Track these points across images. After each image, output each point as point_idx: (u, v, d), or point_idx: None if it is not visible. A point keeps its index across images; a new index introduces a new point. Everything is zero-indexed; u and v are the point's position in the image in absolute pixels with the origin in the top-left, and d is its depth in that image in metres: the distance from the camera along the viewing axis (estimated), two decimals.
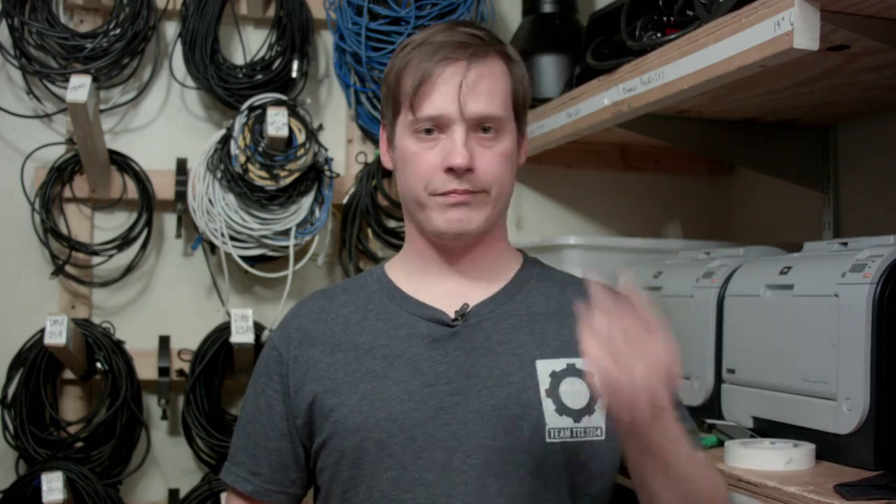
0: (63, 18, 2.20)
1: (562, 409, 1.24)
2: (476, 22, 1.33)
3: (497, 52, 1.29)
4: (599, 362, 1.02)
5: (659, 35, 1.64)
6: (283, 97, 2.19)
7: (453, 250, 1.32)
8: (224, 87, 2.21)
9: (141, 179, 2.21)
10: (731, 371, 1.61)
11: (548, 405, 1.24)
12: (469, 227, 1.27)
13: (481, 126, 1.25)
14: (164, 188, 2.23)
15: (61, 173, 2.18)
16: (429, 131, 1.25)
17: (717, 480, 1.23)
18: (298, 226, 2.17)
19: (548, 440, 1.23)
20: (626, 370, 1.01)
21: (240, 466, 1.34)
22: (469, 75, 1.24)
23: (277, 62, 2.25)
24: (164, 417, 2.19)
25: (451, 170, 1.23)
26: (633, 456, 1.13)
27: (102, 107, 2.23)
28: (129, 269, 2.23)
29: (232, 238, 2.15)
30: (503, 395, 1.24)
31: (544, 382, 1.25)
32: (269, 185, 2.13)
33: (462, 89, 1.23)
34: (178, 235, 2.23)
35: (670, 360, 1.04)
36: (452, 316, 1.29)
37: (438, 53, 1.25)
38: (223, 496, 2.09)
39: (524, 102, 1.33)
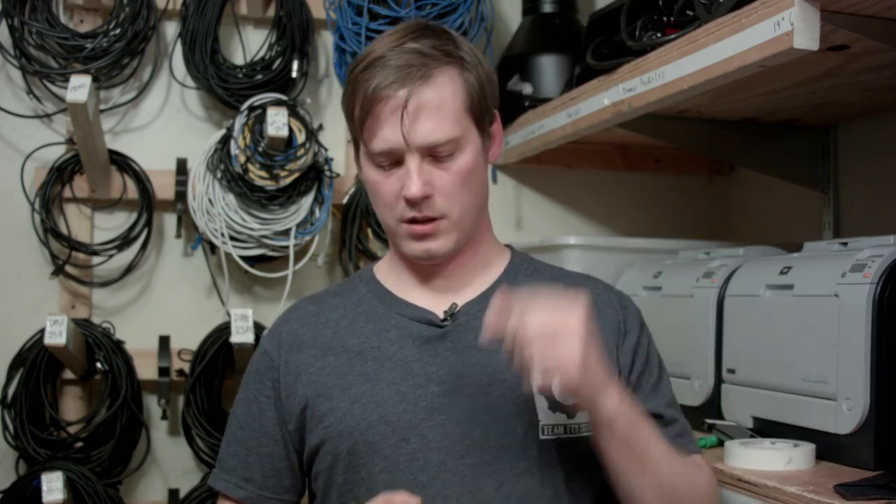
0: (63, 18, 2.20)
1: (555, 406, 1.24)
2: (432, 24, 1.29)
3: (445, 63, 1.23)
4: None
5: (659, 35, 1.64)
6: (283, 97, 2.19)
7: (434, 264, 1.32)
8: (224, 87, 2.21)
9: (141, 179, 2.21)
10: (731, 371, 1.61)
11: (540, 402, 1.24)
12: (438, 254, 1.27)
13: (435, 152, 1.22)
14: (164, 188, 2.23)
15: (61, 173, 2.18)
16: (387, 165, 1.24)
17: (695, 475, 1.23)
18: (298, 226, 2.17)
19: (542, 437, 1.23)
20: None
21: (231, 473, 1.34)
22: (409, 105, 1.20)
23: (277, 62, 2.25)
24: (164, 417, 2.19)
25: (408, 199, 1.22)
26: (609, 453, 1.15)
27: (102, 107, 2.23)
28: (129, 269, 2.23)
29: (232, 238, 2.15)
30: (495, 393, 1.24)
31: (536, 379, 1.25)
32: (269, 185, 2.13)
33: (404, 121, 1.20)
34: (178, 235, 2.23)
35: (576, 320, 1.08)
36: (441, 316, 1.29)
37: (378, 82, 1.21)
38: None
39: (486, 104, 1.28)
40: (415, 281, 1.33)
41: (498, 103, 1.34)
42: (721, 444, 1.52)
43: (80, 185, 2.20)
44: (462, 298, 1.31)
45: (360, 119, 1.24)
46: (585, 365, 1.08)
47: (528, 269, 1.37)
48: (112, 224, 2.25)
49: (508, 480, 1.21)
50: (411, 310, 1.30)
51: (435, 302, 1.30)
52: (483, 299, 1.31)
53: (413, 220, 1.24)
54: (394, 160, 1.23)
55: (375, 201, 1.28)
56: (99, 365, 2.12)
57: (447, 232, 1.25)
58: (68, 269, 2.18)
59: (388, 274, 1.36)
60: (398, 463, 1.22)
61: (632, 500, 1.19)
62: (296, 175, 2.13)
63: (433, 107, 1.21)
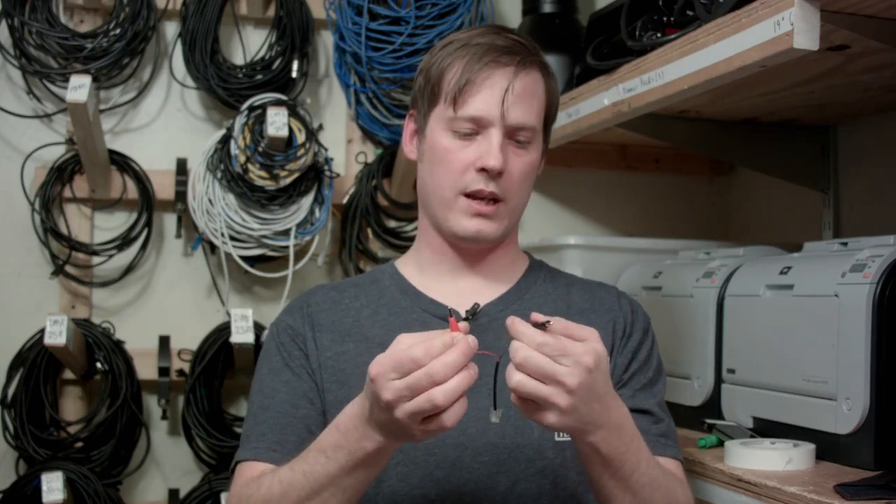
0: (63, 18, 2.20)
1: None
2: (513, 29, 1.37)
3: (539, 64, 1.31)
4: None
5: (659, 35, 1.64)
6: (283, 97, 2.19)
7: (469, 251, 1.34)
8: (224, 87, 2.21)
9: (141, 179, 2.21)
10: (731, 371, 1.61)
11: None
12: (487, 237, 1.29)
13: (516, 135, 1.28)
14: (164, 188, 2.23)
15: (61, 173, 2.18)
16: (466, 133, 1.27)
17: (674, 490, 1.20)
18: (298, 226, 2.17)
19: (557, 438, 1.24)
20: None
21: (261, 439, 1.26)
22: (515, 83, 1.26)
23: (277, 62, 2.25)
24: (164, 417, 2.19)
25: (483, 170, 1.25)
26: (594, 474, 1.11)
27: (102, 107, 2.23)
28: (129, 269, 2.23)
29: (232, 238, 2.15)
30: (511, 394, 1.24)
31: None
32: (269, 185, 2.13)
33: (507, 95, 1.25)
34: (178, 235, 2.23)
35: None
36: (463, 315, 1.29)
37: (487, 55, 1.26)
38: (223, 496, 2.09)
39: (553, 118, 1.36)
40: (438, 276, 1.35)
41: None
42: (721, 444, 1.52)
43: (80, 185, 2.20)
44: (484, 298, 1.32)
45: (458, 83, 1.26)
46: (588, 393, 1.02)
47: (546, 276, 1.40)
48: (112, 224, 2.25)
49: (522, 480, 1.23)
50: (435, 306, 1.31)
51: (456, 299, 1.30)
52: (503, 301, 1.33)
53: (475, 196, 1.26)
54: (475, 130, 1.27)
55: (440, 169, 1.29)
56: (99, 365, 2.12)
57: (502, 217, 1.29)
58: (68, 269, 2.18)
59: (413, 269, 1.38)
60: (415, 457, 1.23)
61: None
62: (296, 175, 2.13)
63: (530, 92, 1.28)
